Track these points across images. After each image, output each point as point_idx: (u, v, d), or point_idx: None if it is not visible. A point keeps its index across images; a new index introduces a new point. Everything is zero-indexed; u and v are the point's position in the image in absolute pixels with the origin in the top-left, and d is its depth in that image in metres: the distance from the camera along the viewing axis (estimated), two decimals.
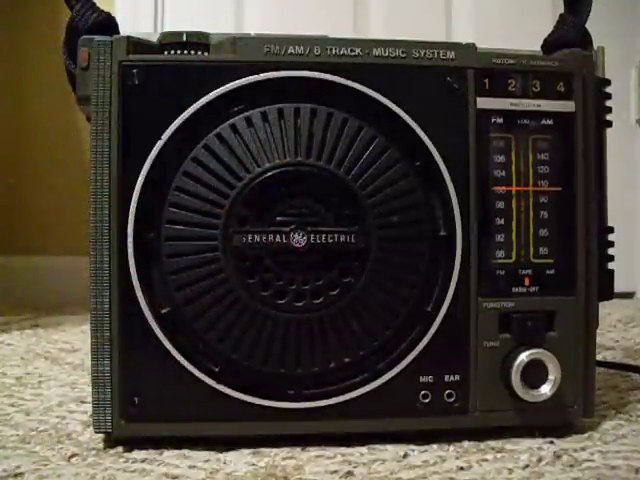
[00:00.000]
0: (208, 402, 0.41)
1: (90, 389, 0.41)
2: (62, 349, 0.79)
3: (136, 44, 0.42)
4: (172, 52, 0.42)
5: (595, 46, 0.47)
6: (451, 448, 0.42)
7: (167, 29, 0.44)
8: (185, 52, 0.42)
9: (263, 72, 0.41)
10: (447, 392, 0.42)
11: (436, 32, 1.25)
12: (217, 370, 0.41)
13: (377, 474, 0.38)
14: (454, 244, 0.42)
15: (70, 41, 0.44)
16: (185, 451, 0.41)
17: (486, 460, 0.40)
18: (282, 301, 0.41)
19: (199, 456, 0.40)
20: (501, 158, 0.43)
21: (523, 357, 0.42)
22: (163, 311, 0.41)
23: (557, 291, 0.44)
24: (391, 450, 0.41)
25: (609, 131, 0.47)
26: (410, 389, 0.42)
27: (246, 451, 0.41)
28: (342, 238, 0.41)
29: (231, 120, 0.41)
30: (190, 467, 0.39)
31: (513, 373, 0.42)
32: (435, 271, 0.43)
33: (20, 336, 0.89)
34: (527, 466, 0.39)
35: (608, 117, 0.46)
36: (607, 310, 1.05)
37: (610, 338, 0.84)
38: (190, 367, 0.41)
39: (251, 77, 0.41)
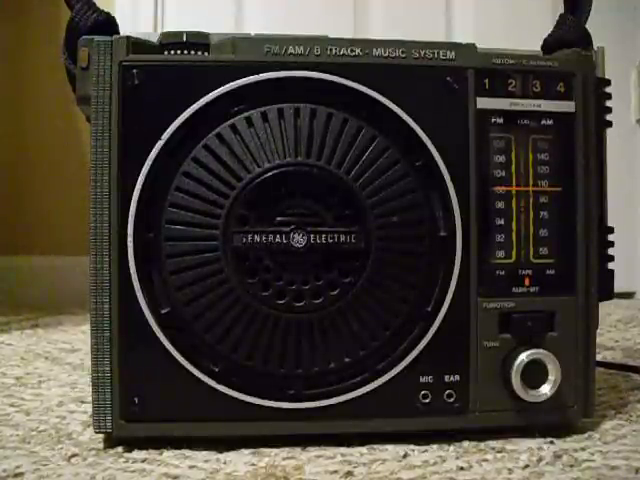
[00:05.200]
0: (208, 402, 0.41)
1: (90, 389, 0.41)
2: (62, 349, 0.79)
3: (136, 44, 0.42)
4: (172, 52, 0.42)
5: (595, 46, 0.47)
6: (451, 448, 0.42)
7: (167, 29, 0.44)
8: (185, 52, 0.42)
9: (263, 72, 0.41)
10: (447, 392, 0.42)
11: (436, 32, 1.25)
12: (217, 370, 0.41)
13: (377, 474, 0.38)
14: (454, 244, 0.42)
15: (70, 41, 0.44)
16: (185, 451, 0.41)
17: (486, 460, 0.40)
18: (282, 301, 0.41)
19: (199, 456, 0.40)
20: (501, 158, 0.43)
21: (523, 357, 0.42)
22: (163, 311, 0.41)
23: (557, 291, 0.44)
24: (391, 450, 0.41)
25: (609, 131, 0.47)
26: (410, 389, 0.42)
27: (246, 451, 0.41)
28: (342, 238, 0.41)
29: (231, 120, 0.41)
30: (190, 467, 0.39)
31: (513, 373, 0.42)
32: (435, 271, 0.43)
33: (20, 336, 0.89)
34: (527, 466, 0.39)
35: (608, 117, 0.46)
36: (607, 310, 1.05)
37: (610, 338, 0.84)
38: (190, 367, 0.41)
39: (251, 77, 0.41)
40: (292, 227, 0.40)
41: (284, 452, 0.41)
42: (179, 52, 0.42)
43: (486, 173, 0.43)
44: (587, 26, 0.47)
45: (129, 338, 0.41)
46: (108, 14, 0.45)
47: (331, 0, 1.25)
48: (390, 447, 0.42)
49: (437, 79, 0.43)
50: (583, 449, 0.41)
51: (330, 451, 0.41)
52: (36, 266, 1.27)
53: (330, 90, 0.42)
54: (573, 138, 0.44)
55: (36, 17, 1.30)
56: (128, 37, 0.41)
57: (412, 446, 0.42)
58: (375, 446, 0.42)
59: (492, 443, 0.42)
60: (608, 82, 0.46)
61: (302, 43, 0.42)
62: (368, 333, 0.41)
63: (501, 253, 0.43)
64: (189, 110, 0.41)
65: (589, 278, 0.44)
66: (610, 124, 0.46)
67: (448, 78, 0.43)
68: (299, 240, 0.40)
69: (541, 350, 0.42)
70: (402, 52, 0.43)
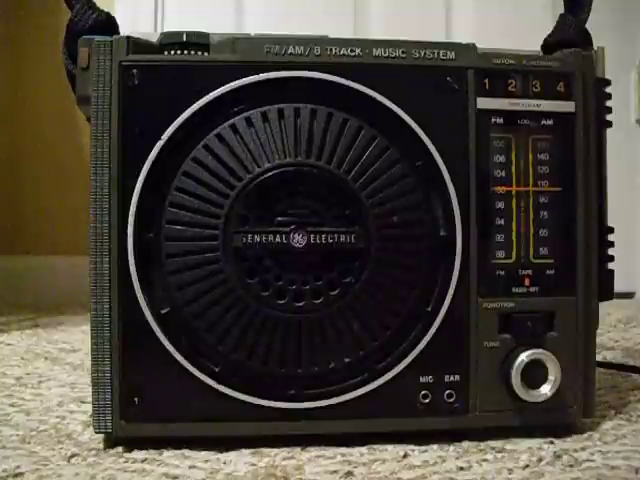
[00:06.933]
0: (208, 402, 0.41)
1: (90, 389, 0.41)
2: (62, 349, 0.79)
3: (136, 44, 0.42)
4: (172, 52, 0.42)
5: (595, 46, 0.47)
6: (451, 448, 0.42)
7: (167, 29, 0.44)
8: (185, 52, 0.42)
9: (263, 72, 0.41)
10: (447, 392, 0.42)
11: (436, 32, 1.25)
12: (217, 370, 0.41)
13: (377, 474, 0.38)
14: (454, 244, 0.42)
15: (70, 41, 0.44)
16: (185, 451, 0.41)
17: (486, 460, 0.40)
18: (282, 301, 0.41)
19: (199, 456, 0.40)
20: (501, 158, 0.43)
21: (523, 357, 0.42)
22: (163, 311, 0.41)
23: (557, 291, 0.44)
24: (391, 450, 0.41)
25: (609, 131, 0.47)
26: (410, 389, 0.42)
27: (246, 451, 0.41)
28: (342, 238, 0.41)
29: (231, 120, 0.41)
30: (190, 467, 0.39)
31: (513, 373, 0.42)
32: (435, 271, 0.43)
33: (20, 336, 0.89)
34: (527, 466, 0.39)
35: (608, 117, 0.46)
36: (607, 310, 1.05)
37: (610, 338, 0.84)
38: (190, 367, 0.41)
39: (251, 77, 0.41)
40: (292, 227, 0.40)
41: (284, 452, 0.41)
42: (179, 52, 0.42)
43: (486, 173, 0.43)
44: (587, 26, 0.47)
45: (129, 338, 0.41)
46: (108, 14, 0.45)
47: (331, 0, 1.25)
48: (390, 447, 0.42)
49: (437, 79, 0.43)
50: (583, 449, 0.41)
51: (330, 451, 0.41)
52: (36, 266, 1.27)
53: (330, 90, 0.42)
54: (573, 138, 0.44)
55: (36, 17, 1.30)
56: (128, 37, 0.41)
57: (412, 446, 0.42)
58: (375, 446, 0.42)
59: (492, 443, 0.42)
60: (608, 82, 0.46)
61: (302, 43, 0.42)
62: (368, 333, 0.41)
63: (501, 253, 0.43)
64: (189, 110, 0.41)
65: (589, 278, 0.44)
66: (610, 124, 0.46)
67: (448, 78, 0.43)
68: (299, 240, 0.40)
69: (541, 350, 0.42)
70: (402, 52, 0.43)
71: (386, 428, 0.42)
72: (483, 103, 0.43)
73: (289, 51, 0.42)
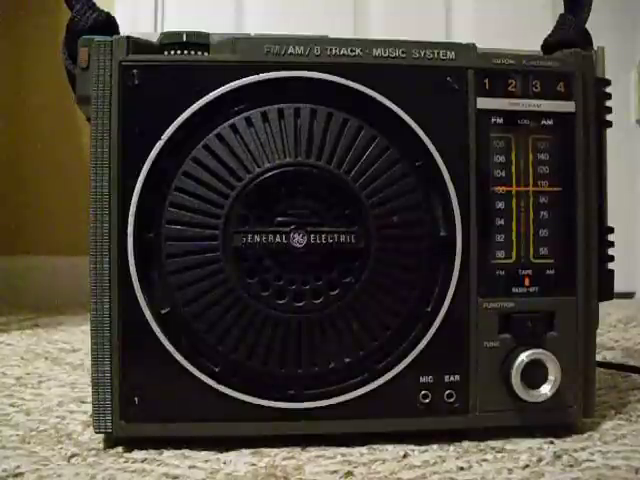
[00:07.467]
0: (208, 402, 0.41)
1: (90, 389, 0.41)
2: (62, 349, 0.79)
3: (136, 44, 0.42)
4: (172, 52, 0.42)
5: (595, 46, 0.47)
6: (451, 448, 0.42)
7: (167, 29, 0.44)
8: (185, 52, 0.42)
9: (263, 72, 0.41)
10: (447, 392, 0.42)
11: (436, 32, 1.25)
12: (217, 370, 0.41)
13: (377, 474, 0.38)
14: (454, 244, 0.42)
15: (70, 41, 0.44)
16: (185, 451, 0.41)
17: (486, 460, 0.40)
18: (282, 301, 0.41)
19: (199, 456, 0.40)
20: (501, 158, 0.43)
21: (523, 357, 0.42)
22: (163, 311, 0.41)
23: (557, 291, 0.44)
24: (391, 450, 0.41)
25: (609, 131, 0.47)
26: (410, 389, 0.42)
27: (246, 451, 0.41)
28: (342, 238, 0.41)
29: (231, 120, 0.41)
30: (190, 467, 0.39)
31: (513, 373, 0.42)
32: (435, 271, 0.43)
33: (20, 336, 0.89)
34: (527, 466, 0.39)
35: (608, 117, 0.46)
36: (607, 310, 1.05)
37: (610, 338, 0.84)
38: (190, 367, 0.41)
39: (251, 77, 0.41)
40: (292, 227, 0.40)
41: (284, 452, 0.41)
42: (179, 52, 0.42)
43: (486, 173, 0.43)
44: (587, 26, 0.47)
45: (129, 338, 0.41)
46: (108, 14, 0.45)
47: (331, 0, 1.25)
48: (390, 447, 0.42)
49: (437, 79, 0.43)
50: (583, 449, 0.41)
51: (330, 451, 0.41)
52: (36, 266, 1.27)
53: (330, 90, 0.42)
54: (573, 138, 0.44)
55: (36, 17, 1.30)
56: (128, 37, 0.41)
57: (412, 446, 0.42)
58: (375, 446, 0.42)
59: (492, 443, 0.42)
60: (608, 82, 0.46)
61: (302, 43, 0.42)
62: (368, 333, 0.41)
63: (501, 253, 0.43)
64: (189, 110, 0.41)
65: (589, 278, 0.44)
66: (610, 124, 0.46)
67: (448, 78, 0.43)
68: (299, 240, 0.40)
69: (541, 350, 0.42)
70: (402, 52, 0.43)
71: (386, 428, 0.42)
72: (483, 103, 0.43)
73: (289, 51, 0.42)
